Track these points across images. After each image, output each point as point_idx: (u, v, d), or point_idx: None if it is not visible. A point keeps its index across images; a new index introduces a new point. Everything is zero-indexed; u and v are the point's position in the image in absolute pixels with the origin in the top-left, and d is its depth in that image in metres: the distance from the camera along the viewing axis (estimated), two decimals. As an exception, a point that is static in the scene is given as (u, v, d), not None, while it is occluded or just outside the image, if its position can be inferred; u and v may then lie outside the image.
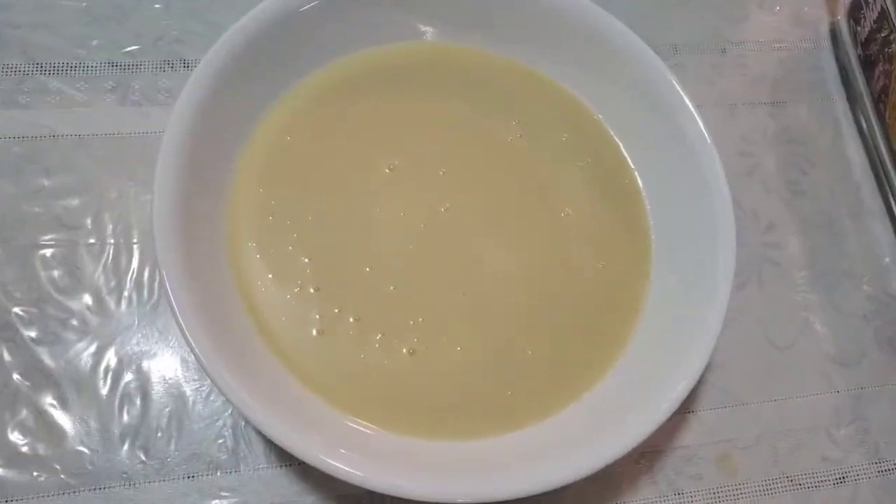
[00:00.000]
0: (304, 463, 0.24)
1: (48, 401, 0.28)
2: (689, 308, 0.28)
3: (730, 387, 0.32)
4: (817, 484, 0.31)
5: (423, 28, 0.32)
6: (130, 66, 0.33)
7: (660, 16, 0.39)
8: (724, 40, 0.39)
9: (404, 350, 0.27)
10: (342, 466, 0.23)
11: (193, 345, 0.23)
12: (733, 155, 0.37)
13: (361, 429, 0.26)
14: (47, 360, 0.28)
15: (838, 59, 0.40)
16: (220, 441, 0.28)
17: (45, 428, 0.28)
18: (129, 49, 0.34)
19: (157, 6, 0.35)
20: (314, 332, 0.27)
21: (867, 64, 0.38)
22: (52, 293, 0.29)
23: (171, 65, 0.34)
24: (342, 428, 0.26)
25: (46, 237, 0.30)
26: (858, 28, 0.38)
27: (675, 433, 0.31)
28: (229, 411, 0.29)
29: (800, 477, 0.31)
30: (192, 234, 0.25)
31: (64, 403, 0.28)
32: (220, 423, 0.28)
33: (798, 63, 0.39)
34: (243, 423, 0.28)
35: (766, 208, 0.36)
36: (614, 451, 0.25)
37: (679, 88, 0.30)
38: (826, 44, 0.40)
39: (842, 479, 0.31)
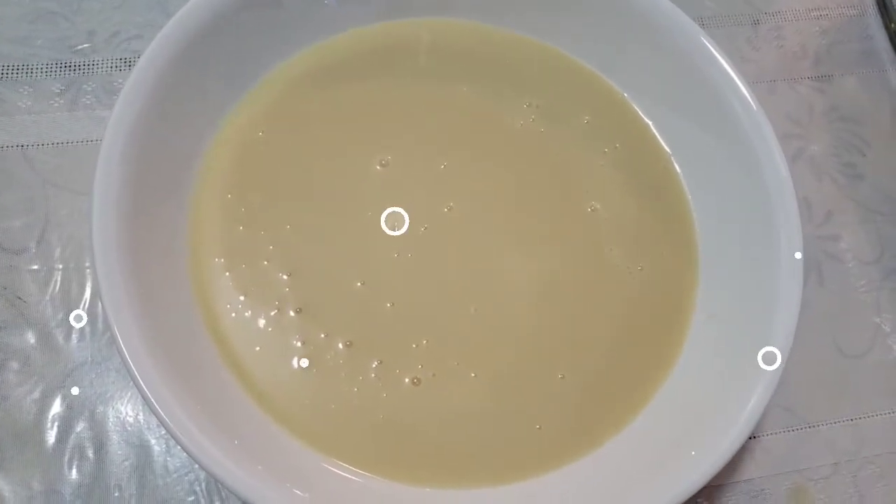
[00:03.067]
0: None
1: (-19, 460, 0.25)
2: (749, 314, 0.25)
3: (796, 406, 0.29)
4: (913, 520, 0.28)
5: (416, 3, 0.29)
6: (82, 66, 0.31)
7: (682, -15, 0.35)
8: (757, 10, 0.36)
9: (407, 380, 0.25)
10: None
11: (153, 401, 0.21)
12: (777, 137, 0.33)
13: (358, 479, 0.23)
14: (-20, 411, 0.26)
15: (888, 27, 0.36)
16: (192, 499, 0.25)
17: (-22, 494, 0.25)
18: (79, 47, 0.31)
19: (111, -3, 0.31)
20: (296, 364, 0.24)
21: (923, 28, 0.34)
22: (-11, 329, 0.27)
23: (128, 63, 0.31)
24: (335, 480, 0.23)
25: (-18, 264, 0.28)
26: (909, -11, 0.35)
27: (736, 464, 0.28)
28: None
29: (891, 512, 0.28)
30: (143, 252, 0.23)
31: (1, 462, 0.25)
32: (191, 476, 0.26)
33: (842, 32, 0.36)
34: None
35: (820, 196, 0.33)
36: (675, 492, 0.22)
37: (719, 56, 0.27)
38: (872, 9, 0.37)
39: (941, 513, 0.28)
